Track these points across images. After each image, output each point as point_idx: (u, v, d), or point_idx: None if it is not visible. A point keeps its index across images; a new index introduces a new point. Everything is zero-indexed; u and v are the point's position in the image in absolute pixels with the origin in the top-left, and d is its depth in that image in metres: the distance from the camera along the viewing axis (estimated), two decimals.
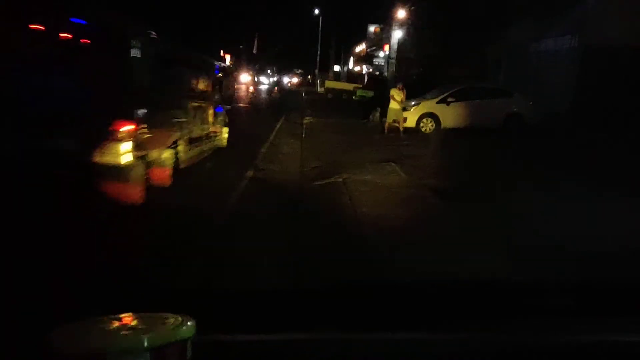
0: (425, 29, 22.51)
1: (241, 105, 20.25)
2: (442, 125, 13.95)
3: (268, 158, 9.25)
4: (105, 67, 4.74)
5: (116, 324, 0.78)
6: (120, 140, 4.71)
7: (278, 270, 3.82)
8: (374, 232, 4.95)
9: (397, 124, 13.09)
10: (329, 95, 33.60)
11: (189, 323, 0.78)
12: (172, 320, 0.78)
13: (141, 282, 1.09)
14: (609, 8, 13.98)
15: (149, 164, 5.48)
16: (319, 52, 46.02)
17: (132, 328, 0.75)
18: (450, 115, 13.98)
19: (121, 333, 0.74)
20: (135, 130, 4.89)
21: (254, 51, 49.33)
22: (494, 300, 1.24)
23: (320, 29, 44.18)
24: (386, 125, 13.33)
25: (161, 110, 5.84)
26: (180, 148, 6.41)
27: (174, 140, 6.18)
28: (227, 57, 43.59)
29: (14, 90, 4.64)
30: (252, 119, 17.49)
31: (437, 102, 14.20)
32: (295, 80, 62.23)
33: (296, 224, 5.24)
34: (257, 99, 28.46)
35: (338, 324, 1.06)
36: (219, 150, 8.95)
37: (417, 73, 24.27)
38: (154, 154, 5.57)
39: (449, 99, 14.16)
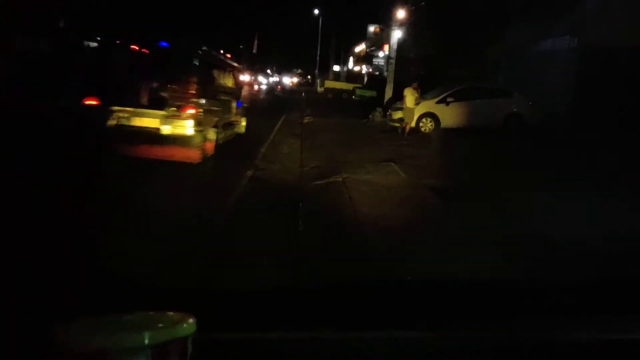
0: (425, 30, 22.51)
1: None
2: (442, 125, 13.96)
3: (268, 158, 9.27)
4: (179, 72, 7.34)
5: (117, 321, 0.78)
6: (187, 119, 7.04)
7: (277, 268, 3.82)
8: (374, 232, 4.95)
9: (405, 125, 13.17)
10: (329, 95, 33.63)
11: (189, 321, 0.78)
12: (172, 318, 0.79)
13: (142, 281, 1.09)
14: (608, 9, 14.00)
15: (203, 138, 7.46)
16: (318, 52, 46.03)
17: (133, 326, 0.76)
18: (450, 115, 14.00)
19: (122, 331, 0.75)
20: (196, 113, 7.16)
21: (254, 51, 49.32)
22: (493, 299, 1.24)
23: (320, 29, 44.18)
24: (407, 127, 13.35)
25: (209, 101, 7.87)
26: (219, 129, 8.44)
27: (215, 123, 8.21)
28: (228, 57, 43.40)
29: (127, 84, 7.36)
30: (253, 118, 17.47)
31: (437, 102, 14.22)
32: (295, 80, 62.20)
33: (296, 223, 5.24)
34: (258, 98, 28.48)
35: (337, 322, 1.06)
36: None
37: (416, 73, 24.29)
38: (205, 131, 7.65)
39: (449, 99, 14.17)
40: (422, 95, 14.83)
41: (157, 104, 7.06)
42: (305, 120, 16.52)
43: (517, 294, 1.30)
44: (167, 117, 7.00)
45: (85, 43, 29.15)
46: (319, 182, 7.31)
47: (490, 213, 5.71)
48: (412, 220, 5.43)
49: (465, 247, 4.56)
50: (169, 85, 7.17)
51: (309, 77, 61.10)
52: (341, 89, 35.12)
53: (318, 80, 45.55)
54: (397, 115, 14.61)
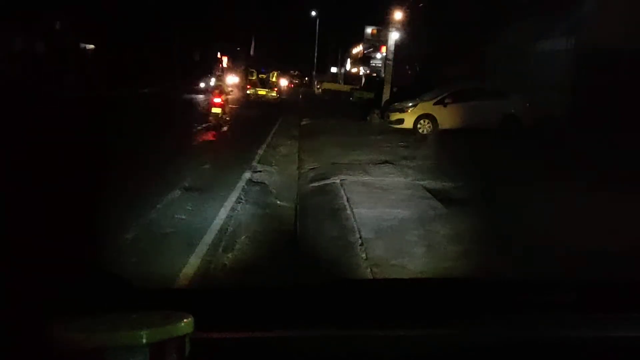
0: (422, 31, 22.54)
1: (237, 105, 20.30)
2: (440, 127, 13.98)
3: (264, 160, 9.29)
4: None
5: (115, 320, 0.79)
6: (215, 105, 13.31)
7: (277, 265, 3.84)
8: (371, 233, 4.95)
9: None
10: (326, 97, 33.65)
11: (186, 319, 0.79)
12: (170, 316, 0.80)
13: (138, 279, 1.10)
14: (605, 10, 14.03)
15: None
16: (316, 54, 46.07)
17: (131, 324, 0.77)
18: (448, 116, 14.03)
19: (121, 329, 0.76)
20: (222, 102, 13.61)
21: (251, 53, 49.32)
22: (490, 297, 1.25)
23: (317, 30, 44.27)
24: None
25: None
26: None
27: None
28: (225, 59, 43.52)
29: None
30: (252, 118, 17.53)
31: (434, 104, 14.24)
32: (290, 82, 62.13)
33: (293, 224, 5.26)
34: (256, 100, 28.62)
35: (337, 321, 1.07)
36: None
37: (414, 74, 24.31)
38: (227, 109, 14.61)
39: (446, 100, 14.20)
40: (420, 96, 14.88)
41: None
42: (303, 122, 16.53)
43: (514, 291, 1.31)
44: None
45: (82, 45, 28.95)
46: (316, 184, 7.33)
47: (485, 213, 5.72)
48: (407, 220, 5.43)
49: (461, 246, 4.58)
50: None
51: (306, 78, 61.09)
52: (339, 90, 35.12)
53: (315, 82, 45.59)
54: (395, 116, 14.64)
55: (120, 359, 0.74)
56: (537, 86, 15.60)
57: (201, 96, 23.66)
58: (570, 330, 1.08)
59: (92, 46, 30.04)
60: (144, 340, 0.74)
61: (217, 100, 13.23)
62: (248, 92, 26.87)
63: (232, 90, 17.57)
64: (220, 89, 13.97)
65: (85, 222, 4.44)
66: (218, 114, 13.18)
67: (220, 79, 17.25)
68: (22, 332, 0.85)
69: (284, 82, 54.05)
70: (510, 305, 1.20)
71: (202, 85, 30.06)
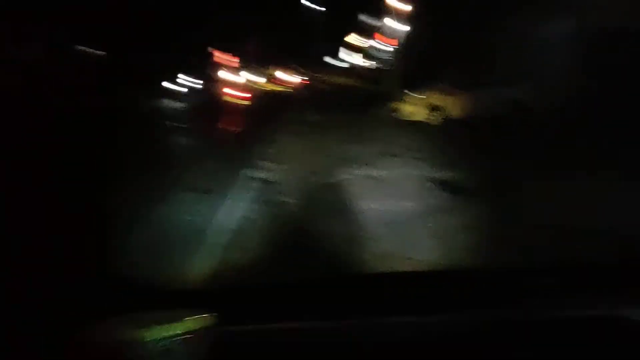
0: (427, 18, 22.42)
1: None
2: (448, 116, 13.94)
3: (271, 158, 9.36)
4: None
5: (146, 318, 0.93)
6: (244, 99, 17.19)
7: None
8: (378, 226, 4.97)
9: None
10: (333, 90, 33.63)
11: (209, 315, 0.98)
12: (193, 313, 0.97)
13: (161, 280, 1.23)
14: None
15: None
16: (322, 48, 45.93)
17: (161, 320, 0.93)
18: (456, 105, 13.99)
19: (152, 325, 0.91)
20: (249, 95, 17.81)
21: (256, 49, 49.29)
22: (487, 284, 1.31)
23: (322, 23, 44.10)
24: None
25: None
26: None
27: None
28: (229, 56, 43.64)
29: None
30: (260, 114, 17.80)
31: (442, 94, 14.22)
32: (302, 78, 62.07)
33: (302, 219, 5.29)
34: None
35: (350, 309, 1.17)
36: None
37: (422, 64, 24.18)
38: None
39: (454, 90, 14.17)
40: (426, 86, 14.87)
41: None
42: (308, 117, 16.53)
43: (509, 278, 1.37)
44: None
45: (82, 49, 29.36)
46: (323, 180, 7.35)
47: (493, 205, 5.70)
48: (416, 213, 5.43)
49: (468, 237, 4.59)
50: None
51: (316, 74, 61.00)
52: (346, 84, 35.09)
53: (323, 77, 45.54)
54: (404, 108, 14.65)
55: (160, 349, 0.89)
56: (543, 72, 15.45)
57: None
58: (556, 311, 1.13)
59: (93, 50, 30.24)
60: (177, 332, 0.92)
61: (246, 95, 19.53)
62: (267, 87, 30.44)
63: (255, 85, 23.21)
64: (245, 85, 19.22)
65: None
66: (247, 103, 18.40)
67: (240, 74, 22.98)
68: (55, 334, 0.98)
69: (295, 79, 54.18)
70: (503, 291, 1.25)
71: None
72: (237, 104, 19.59)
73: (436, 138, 11.88)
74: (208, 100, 20.14)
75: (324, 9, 43.66)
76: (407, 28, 21.04)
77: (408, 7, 19.66)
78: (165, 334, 0.89)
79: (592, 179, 6.19)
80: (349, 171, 7.55)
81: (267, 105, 24.73)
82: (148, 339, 0.88)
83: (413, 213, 5.44)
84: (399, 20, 19.48)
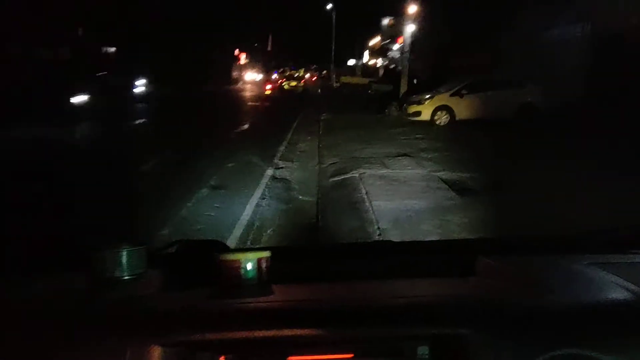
0: (437, 21, 22.60)
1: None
2: (457, 118, 14.17)
3: (285, 156, 9.65)
4: None
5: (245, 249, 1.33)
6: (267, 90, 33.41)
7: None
8: (388, 224, 5.25)
9: None
10: (345, 90, 33.86)
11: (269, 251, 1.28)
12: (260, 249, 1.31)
13: None
14: None
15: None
16: (333, 47, 46.15)
17: (254, 250, 1.27)
18: (464, 107, 14.20)
19: (249, 252, 1.25)
20: (272, 87, 35.39)
21: (269, 49, 49.65)
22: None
23: (334, 23, 44.32)
24: None
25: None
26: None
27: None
28: (243, 56, 43.91)
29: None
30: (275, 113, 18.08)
31: (451, 95, 14.42)
32: (310, 76, 62.39)
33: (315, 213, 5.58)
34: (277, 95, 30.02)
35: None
36: None
37: (431, 66, 24.36)
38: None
39: (463, 91, 14.36)
40: (437, 88, 15.07)
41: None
42: (323, 117, 16.81)
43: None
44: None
45: (104, 49, 29.73)
46: (336, 179, 7.64)
47: (499, 203, 5.93)
48: (425, 210, 5.71)
49: (471, 234, 4.85)
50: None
51: (324, 72, 61.25)
52: (357, 83, 35.32)
53: (334, 76, 45.73)
54: (413, 109, 14.85)
55: (239, 270, 1.21)
56: (553, 74, 15.61)
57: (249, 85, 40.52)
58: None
59: (113, 49, 30.79)
60: (255, 257, 1.24)
61: (268, 87, 26.88)
62: (283, 84, 40.23)
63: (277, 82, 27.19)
64: (268, 80, 21.30)
65: None
66: (269, 93, 24.13)
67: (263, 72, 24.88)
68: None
69: (307, 76, 55.00)
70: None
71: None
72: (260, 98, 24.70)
73: (447, 138, 12.11)
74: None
75: (342, 10, 43.97)
76: (420, 29, 21.23)
77: (423, 9, 19.83)
78: (257, 257, 1.22)
79: (596, 175, 6.36)
80: (359, 169, 7.84)
81: (286, 102, 25.40)
82: (244, 260, 1.21)
83: (422, 210, 5.70)
84: (414, 23, 19.64)
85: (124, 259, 1.20)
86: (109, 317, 1.08)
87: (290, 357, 1.05)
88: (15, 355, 1.01)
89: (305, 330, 1.04)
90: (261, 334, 1.03)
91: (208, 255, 1.27)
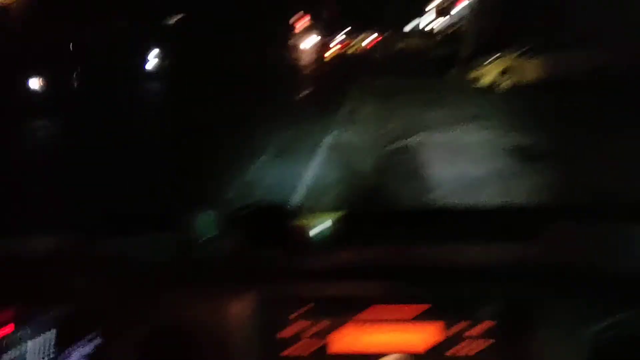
0: None
1: None
2: (522, 81, 13.63)
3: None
4: None
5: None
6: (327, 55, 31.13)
7: None
8: (444, 192, 5.27)
9: None
10: (404, 53, 33.14)
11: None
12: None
13: None
14: None
15: None
16: (394, 9, 44.85)
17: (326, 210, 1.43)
18: (530, 70, 13.62)
19: (316, 212, 1.36)
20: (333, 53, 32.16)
21: (327, 14, 48.96)
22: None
23: None
24: None
25: None
26: None
27: None
28: (303, 20, 43.59)
29: None
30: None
31: (516, 57, 13.88)
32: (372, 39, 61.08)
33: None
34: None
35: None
36: None
37: (494, 26, 23.32)
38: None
39: (529, 54, 13.78)
40: (501, 50, 14.51)
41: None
42: (380, 83, 16.62)
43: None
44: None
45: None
46: (394, 146, 7.64)
47: (563, 169, 5.76)
48: (485, 179, 5.65)
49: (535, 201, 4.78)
50: None
51: (385, 33, 59.80)
52: (417, 46, 34.48)
53: (394, 39, 44.70)
54: (476, 72, 14.44)
55: (310, 230, 1.28)
56: (629, 32, 14.61)
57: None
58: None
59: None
60: (328, 219, 1.31)
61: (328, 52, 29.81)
62: (344, 49, 39.43)
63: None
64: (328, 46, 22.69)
65: None
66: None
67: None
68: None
69: (366, 41, 54.13)
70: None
71: None
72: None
73: (509, 102, 11.75)
74: None
75: None
76: None
77: None
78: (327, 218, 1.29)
79: None
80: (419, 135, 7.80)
81: (345, 67, 25.22)
82: (311, 225, 1.28)
83: (486, 176, 5.65)
84: None
85: (210, 221, 1.33)
86: (203, 270, 1.23)
87: (373, 305, 1.13)
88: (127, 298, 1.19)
89: (385, 282, 1.13)
90: (342, 287, 1.14)
91: (280, 218, 1.37)
